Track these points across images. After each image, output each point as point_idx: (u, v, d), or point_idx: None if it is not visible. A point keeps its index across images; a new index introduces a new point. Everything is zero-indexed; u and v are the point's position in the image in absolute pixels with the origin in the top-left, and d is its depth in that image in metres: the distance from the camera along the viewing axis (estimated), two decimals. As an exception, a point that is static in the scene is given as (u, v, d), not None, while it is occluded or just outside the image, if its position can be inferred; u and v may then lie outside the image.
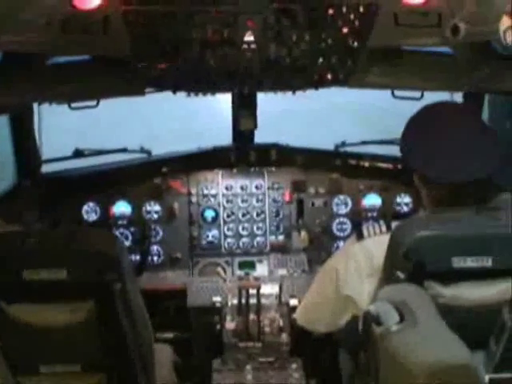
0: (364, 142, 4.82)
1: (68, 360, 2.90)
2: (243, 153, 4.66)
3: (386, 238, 2.68)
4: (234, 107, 4.57)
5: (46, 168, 4.60)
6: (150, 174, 4.64)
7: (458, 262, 2.45)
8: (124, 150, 4.76)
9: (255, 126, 4.55)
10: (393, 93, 4.00)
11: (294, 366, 3.72)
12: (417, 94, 3.94)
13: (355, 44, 2.98)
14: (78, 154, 4.65)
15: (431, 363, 1.59)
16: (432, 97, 3.18)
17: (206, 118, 12.93)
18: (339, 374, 3.67)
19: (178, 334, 4.45)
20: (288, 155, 4.70)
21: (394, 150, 4.05)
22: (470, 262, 2.45)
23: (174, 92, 3.49)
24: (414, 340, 1.74)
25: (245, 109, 4.45)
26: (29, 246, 2.72)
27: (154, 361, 3.26)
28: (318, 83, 3.42)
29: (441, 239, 2.49)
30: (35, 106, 4.26)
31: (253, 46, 2.90)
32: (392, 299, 1.95)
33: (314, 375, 3.95)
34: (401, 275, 2.46)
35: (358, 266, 2.85)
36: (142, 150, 4.76)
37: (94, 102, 3.89)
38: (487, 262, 2.45)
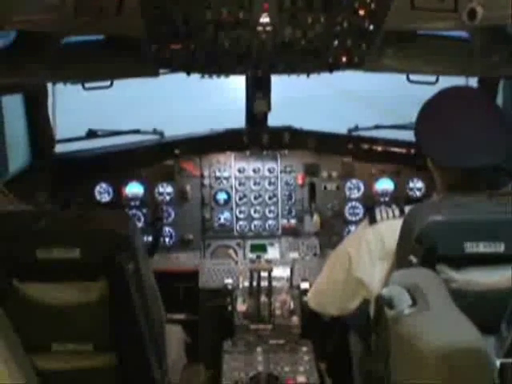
0: (377, 127, 4.81)
1: (80, 339, 2.92)
2: (256, 135, 4.65)
3: (398, 223, 2.68)
4: (247, 89, 4.56)
5: (59, 148, 4.61)
6: (162, 156, 4.65)
7: (471, 247, 2.44)
8: (137, 132, 4.77)
9: (269, 109, 4.54)
10: (408, 77, 3.98)
11: (304, 348, 3.73)
12: (432, 78, 3.91)
13: (371, 27, 2.96)
14: (91, 134, 4.66)
15: (443, 347, 1.59)
16: (447, 81, 3.16)
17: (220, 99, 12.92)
18: (349, 357, 3.68)
19: (189, 315, 4.47)
20: (301, 138, 4.69)
21: (407, 135, 4.04)
22: (483, 247, 2.45)
23: (188, 73, 3.48)
24: (426, 323, 1.73)
25: (259, 91, 4.44)
26: (42, 225, 2.73)
27: (165, 341, 3.28)
28: (333, 66, 3.40)
29: (453, 224, 2.49)
30: (49, 86, 4.27)
31: (268, 28, 2.89)
32: (404, 283, 1.95)
33: (324, 358, 3.96)
34: (413, 259, 2.46)
35: (370, 250, 2.85)
36: (155, 132, 4.76)
37: (107, 83, 3.89)
38: (499, 248, 2.45)
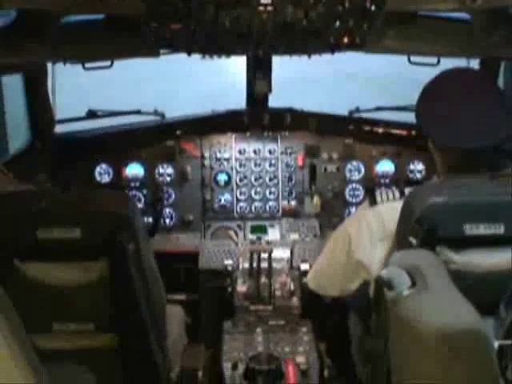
0: (378, 108, 4.79)
1: (81, 319, 2.93)
2: (257, 117, 4.64)
3: (398, 204, 2.68)
4: (248, 70, 4.54)
5: (59, 128, 4.60)
6: (163, 137, 4.64)
7: (471, 229, 2.45)
8: (137, 112, 4.75)
9: (270, 90, 4.53)
10: (409, 58, 3.97)
11: (304, 329, 3.75)
12: (433, 60, 3.90)
13: (372, 8, 2.93)
14: (92, 114, 4.65)
15: (442, 328, 1.60)
16: (448, 63, 3.14)
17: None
18: (349, 338, 3.70)
19: (189, 295, 4.49)
20: (302, 120, 4.68)
21: (409, 117, 4.03)
22: (483, 229, 2.45)
23: (189, 54, 3.46)
24: (426, 305, 1.74)
25: (259, 72, 4.42)
26: (43, 205, 2.73)
27: (165, 321, 3.29)
28: (334, 47, 3.39)
29: (453, 206, 2.49)
30: (49, 66, 4.25)
31: (269, 7, 2.86)
32: (404, 264, 1.95)
33: (324, 338, 3.97)
34: (413, 241, 2.46)
35: (370, 232, 2.85)
36: (156, 113, 4.75)
37: (107, 63, 3.88)
38: (499, 229, 2.45)
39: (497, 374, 1.64)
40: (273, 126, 4.65)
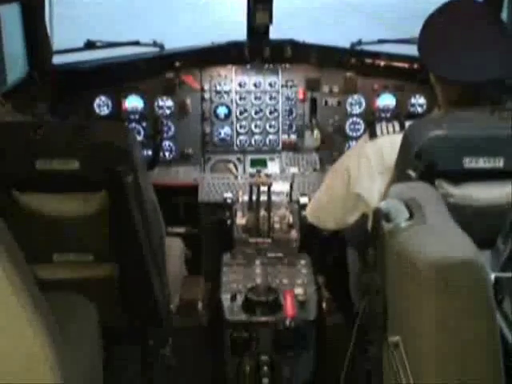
0: (381, 41, 4.73)
1: (80, 249, 2.95)
2: (257, 49, 4.58)
3: (398, 138, 2.67)
4: (249, 1, 4.45)
5: (57, 60, 4.55)
6: (162, 69, 4.59)
7: (470, 163, 2.44)
8: (136, 43, 4.69)
9: (271, 21, 4.45)
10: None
11: (302, 261, 3.77)
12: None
13: None
14: (90, 45, 4.59)
15: (438, 259, 1.60)
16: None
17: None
18: (346, 271, 3.73)
19: (188, 228, 4.51)
20: (303, 52, 4.62)
21: (412, 50, 3.97)
22: (482, 163, 2.44)
23: None
24: (423, 236, 1.74)
25: (259, 2, 4.34)
26: (41, 136, 2.72)
27: (164, 253, 3.32)
28: None
29: (453, 139, 2.47)
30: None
31: None
32: (402, 196, 1.95)
33: (322, 271, 4.01)
34: (412, 174, 2.46)
35: (370, 164, 2.84)
36: (155, 44, 4.69)
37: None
38: (499, 163, 2.44)
39: (493, 305, 1.65)
40: (273, 58, 4.59)
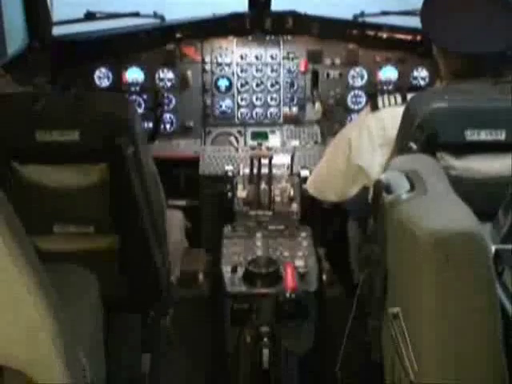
0: (384, 13, 4.69)
1: (81, 221, 2.95)
2: (259, 20, 4.54)
3: (400, 110, 2.66)
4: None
5: (57, 31, 4.51)
6: (163, 40, 4.55)
7: (472, 135, 2.43)
8: (136, 15, 4.65)
9: (271, -9, 4.42)
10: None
11: (303, 234, 3.77)
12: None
13: None
14: (90, 16, 4.55)
15: (438, 230, 1.60)
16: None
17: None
18: (347, 243, 3.74)
19: (189, 201, 4.51)
20: (305, 24, 4.58)
21: (415, 22, 3.94)
22: (484, 135, 2.43)
23: None
24: (423, 208, 1.74)
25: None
26: (41, 107, 2.71)
27: (165, 225, 3.32)
28: None
29: (455, 111, 2.46)
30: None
31: None
32: (403, 168, 1.94)
33: (323, 244, 4.02)
34: (413, 146, 2.45)
35: (371, 137, 2.83)
36: (156, 15, 4.65)
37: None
38: (501, 136, 2.43)
39: (493, 277, 1.65)
40: (275, 29, 4.56)
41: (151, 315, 3.68)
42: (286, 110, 4.60)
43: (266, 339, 3.18)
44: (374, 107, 2.85)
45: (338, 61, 4.58)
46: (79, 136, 2.69)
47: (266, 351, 3.15)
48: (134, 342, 3.70)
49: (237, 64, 4.58)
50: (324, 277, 3.73)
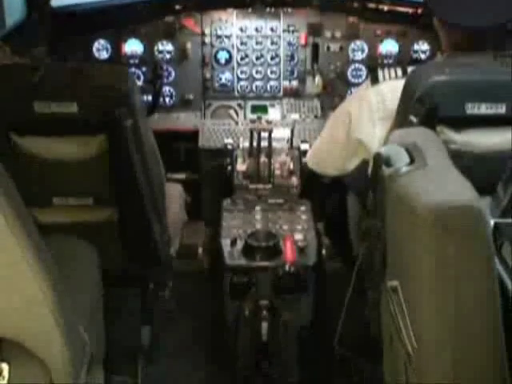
0: (385, -15, 4.65)
1: (80, 193, 2.95)
2: None
3: (400, 83, 2.64)
4: None
5: (56, 2, 4.47)
6: (162, 12, 4.52)
7: (472, 108, 2.42)
8: None
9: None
10: None
11: (302, 208, 3.77)
12: None
13: None
14: (89, -13, 4.51)
15: (437, 203, 1.59)
16: None
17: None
18: (346, 217, 3.73)
19: (189, 174, 4.51)
20: None
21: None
22: (484, 109, 2.42)
23: None
24: (423, 181, 1.73)
25: None
26: (39, 79, 2.69)
27: (164, 198, 3.32)
28: None
29: (455, 84, 2.45)
30: None
31: None
32: (403, 141, 1.93)
33: (322, 217, 4.02)
34: (413, 119, 2.44)
35: (371, 110, 2.81)
36: None
37: None
38: (501, 109, 2.42)
39: (492, 251, 1.65)
40: (275, 2, 4.52)
41: (150, 288, 3.69)
42: (285, 83, 4.58)
43: (265, 312, 3.19)
44: (374, 81, 2.83)
45: (338, 34, 4.55)
46: (78, 107, 2.67)
47: (264, 324, 3.17)
48: (133, 314, 3.72)
49: (236, 36, 4.55)
50: (323, 250, 3.73)
